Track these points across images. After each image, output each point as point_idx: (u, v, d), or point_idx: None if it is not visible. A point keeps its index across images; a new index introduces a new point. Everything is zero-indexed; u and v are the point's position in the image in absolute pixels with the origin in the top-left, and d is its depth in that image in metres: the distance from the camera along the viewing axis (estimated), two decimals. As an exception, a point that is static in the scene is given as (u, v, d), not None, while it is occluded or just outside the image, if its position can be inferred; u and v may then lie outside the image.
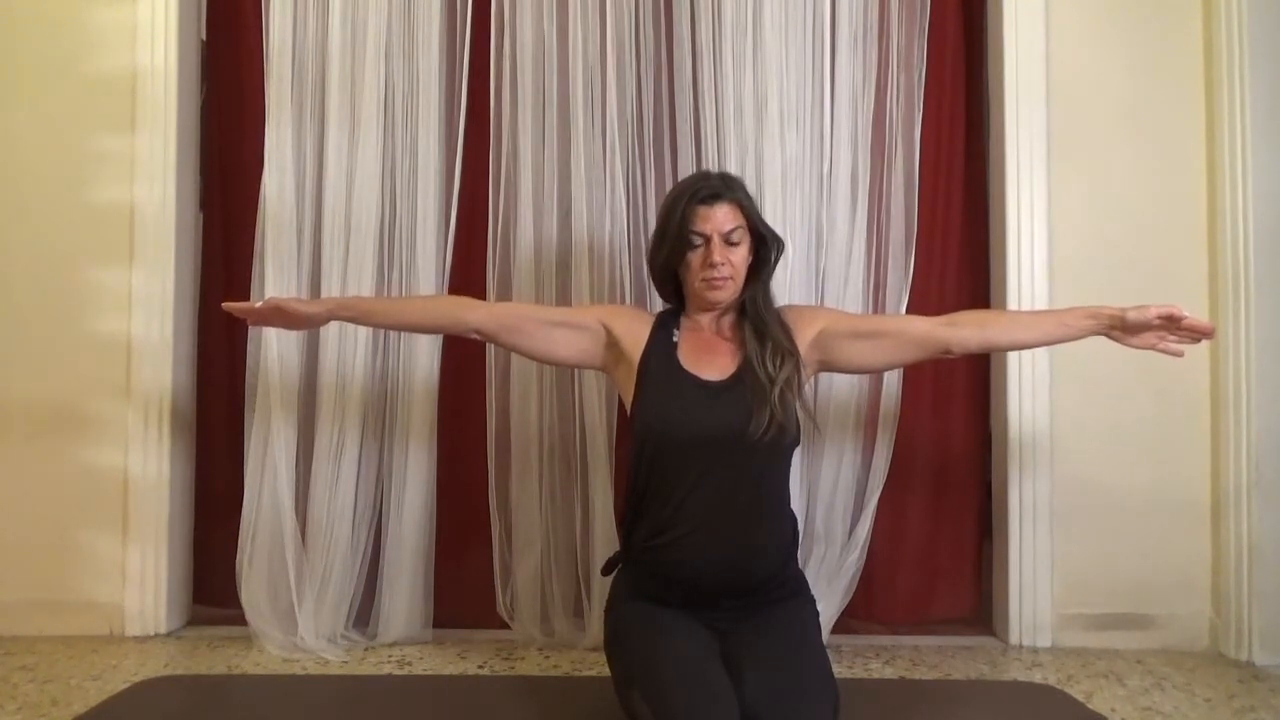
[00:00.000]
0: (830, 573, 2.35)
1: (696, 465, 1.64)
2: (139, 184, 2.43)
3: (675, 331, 1.78)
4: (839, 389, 2.39)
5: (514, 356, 2.33)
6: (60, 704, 1.91)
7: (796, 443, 1.72)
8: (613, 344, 1.81)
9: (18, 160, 2.45)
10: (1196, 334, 1.68)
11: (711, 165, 2.34)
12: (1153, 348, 1.70)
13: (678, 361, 1.73)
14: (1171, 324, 1.67)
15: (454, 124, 2.43)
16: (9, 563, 2.41)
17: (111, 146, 2.44)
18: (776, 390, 1.65)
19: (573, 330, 1.83)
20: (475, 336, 1.89)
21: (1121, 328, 1.70)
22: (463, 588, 2.44)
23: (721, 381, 1.70)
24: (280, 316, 1.85)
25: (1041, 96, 2.42)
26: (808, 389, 2.06)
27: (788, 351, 1.71)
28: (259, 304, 1.85)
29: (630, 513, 1.76)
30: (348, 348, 2.37)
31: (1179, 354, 1.70)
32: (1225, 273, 2.35)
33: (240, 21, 2.51)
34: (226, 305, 1.85)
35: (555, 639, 2.35)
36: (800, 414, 1.73)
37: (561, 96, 2.39)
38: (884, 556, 2.44)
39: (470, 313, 1.87)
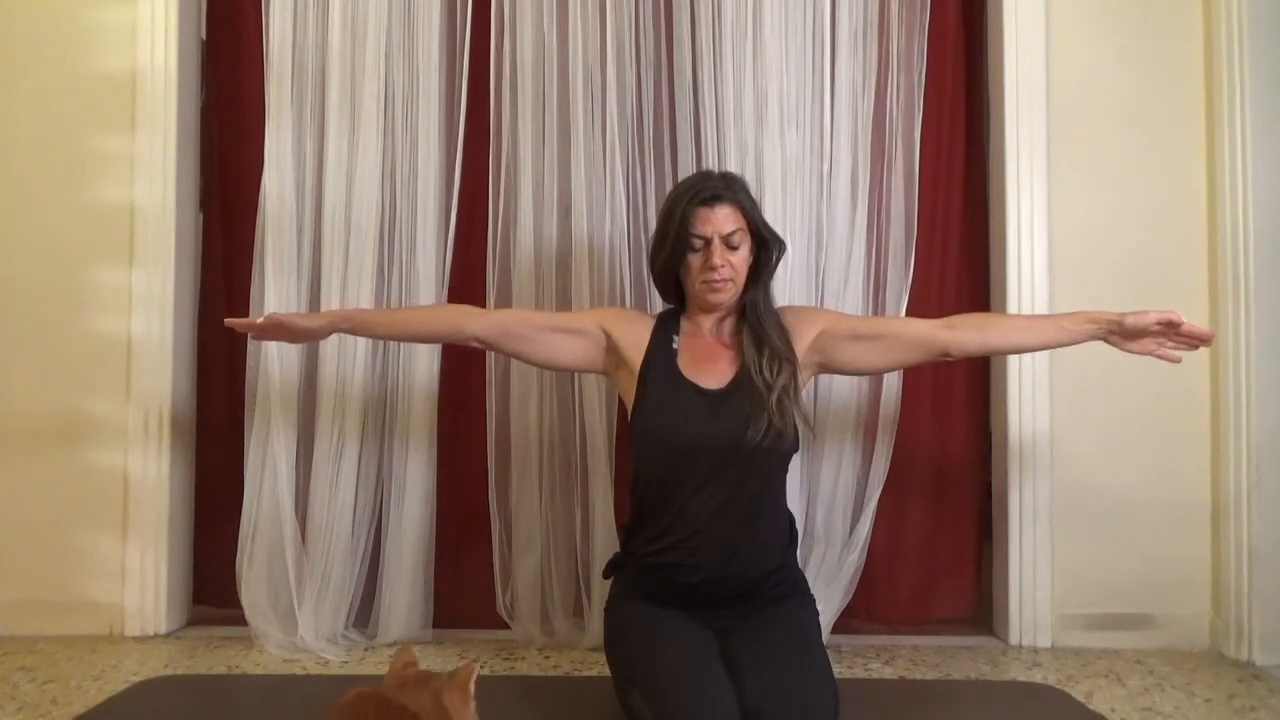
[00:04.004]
0: (830, 573, 2.35)
1: (696, 473, 1.65)
2: (139, 184, 2.43)
3: (675, 337, 1.79)
4: (839, 390, 2.39)
5: (513, 357, 2.33)
6: (60, 704, 1.91)
7: (795, 448, 1.73)
8: (612, 348, 1.81)
9: (18, 160, 2.45)
10: (1195, 340, 1.68)
11: (711, 165, 2.33)
12: (1151, 354, 1.70)
13: (677, 368, 1.74)
14: (1170, 330, 1.67)
15: (454, 124, 2.43)
16: (9, 563, 2.41)
17: (111, 146, 2.44)
18: (774, 398, 1.66)
19: (572, 336, 1.83)
20: (476, 345, 1.89)
21: (1120, 333, 1.70)
22: (463, 588, 2.44)
23: (720, 390, 1.71)
24: (281, 331, 1.86)
25: (1041, 96, 2.42)
26: (806, 393, 2.07)
27: (785, 358, 1.71)
28: (260, 319, 1.86)
29: (631, 517, 1.77)
30: (348, 348, 2.37)
31: (1177, 360, 1.70)
32: (1225, 273, 2.35)
33: (240, 21, 2.51)
34: (229, 321, 1.86)
35: (555, 639, 2.35)
36: (798, 420, 1.73)
37: (561, 96, 2.39)
38: (884, 557, 2.44)
39: (470, 322, 1.87)
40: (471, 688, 1.20)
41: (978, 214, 2.55)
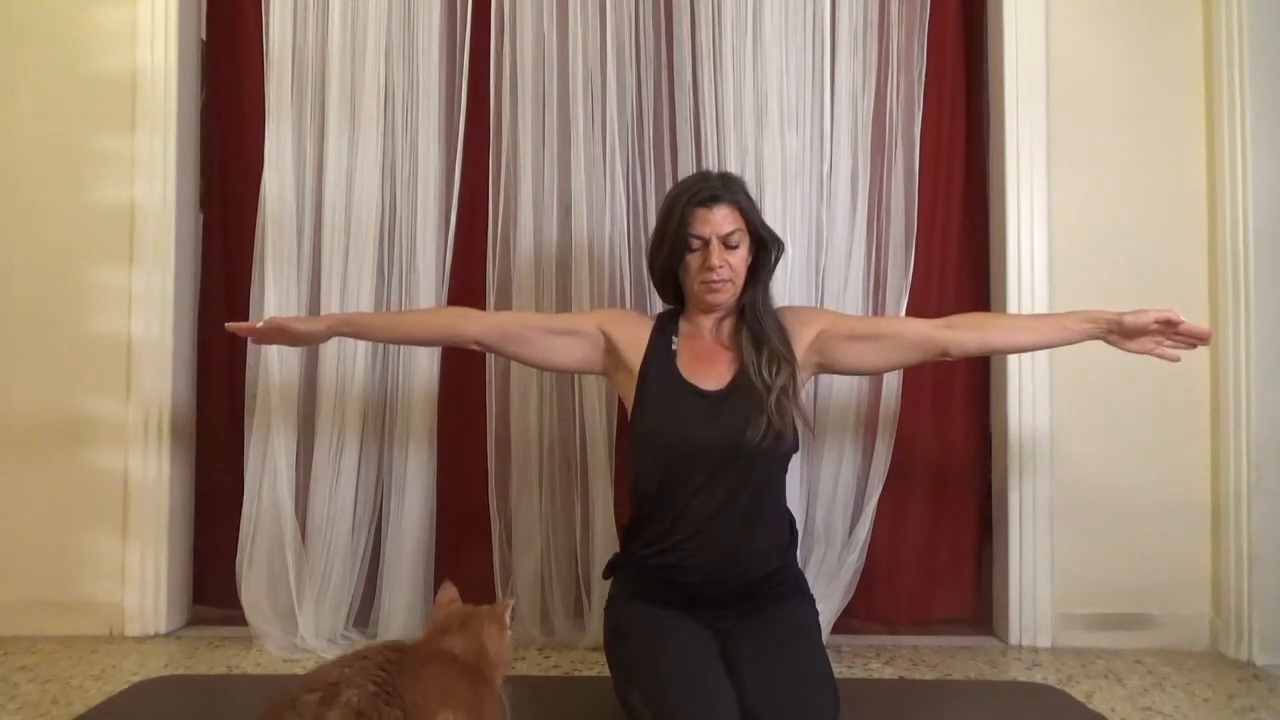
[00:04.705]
0: (830, 573, 2.35)
1: (697, 474, 1.65)
2: (139, 184, 2.43)
3: (675, 338, 1.78)
4: (839, 390, 2.39)
5: (513, 357, 2.33)
6: (60, 704, 1.91)
7: (795, 449, 1.73)
8: (611, 350, 1.81)
9: (18, 160, 2.45)
10: (1193, 339, 1.68)
11: (711, 165, 2.34)
12: (1149, 352, 1.70)
13: (676, 370, 1.74)
14: (1168, 329, 1.67)
15: (454, 124, 2.43)
16: (9, 563, 2.41)
17: (111, 146, 2.44)
18: (773, 398, 1.65)
19: (572, 338, 1.83)
20: (475, 348, 1.89)
21: (1119, 332, 1.70)
22: (463, 588, 2.41)
23: (719, 391, 1.71)
24: (281, 335, 1.86)
25: (1041, 96, 2.42)
26: (806, 393, 2.07)
27: (784, 358, 1.71)
28: (259, 324, 1.86)
29: (630, 518, 1.78)
30: (347, 349, 2.37)
31: (1175, 359, 1.70)
32: (1225, 273, 2.35)
33: (240, 21, 2.51)
34: (230, 326, 1.87)
35: (555, 639, 2.35)
36: (797, 420, 1.73)
37: (561, 96, 2.39)
38: (884, 556, 2.44)
39: (469, 324, 1.87)
40: (507, 618, 1.32)
41: (978, 214, 2.55)
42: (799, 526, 1.98)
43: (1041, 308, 2.37)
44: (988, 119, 2.54)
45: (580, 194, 2.37)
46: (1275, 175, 2.31)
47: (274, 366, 2.36)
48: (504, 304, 2.38)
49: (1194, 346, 1.70)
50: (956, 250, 2.51)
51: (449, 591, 1.42)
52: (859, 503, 2.39)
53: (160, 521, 2.41)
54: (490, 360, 2.37)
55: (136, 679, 2.05)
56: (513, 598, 1.37)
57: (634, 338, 1.79)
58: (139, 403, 2.41)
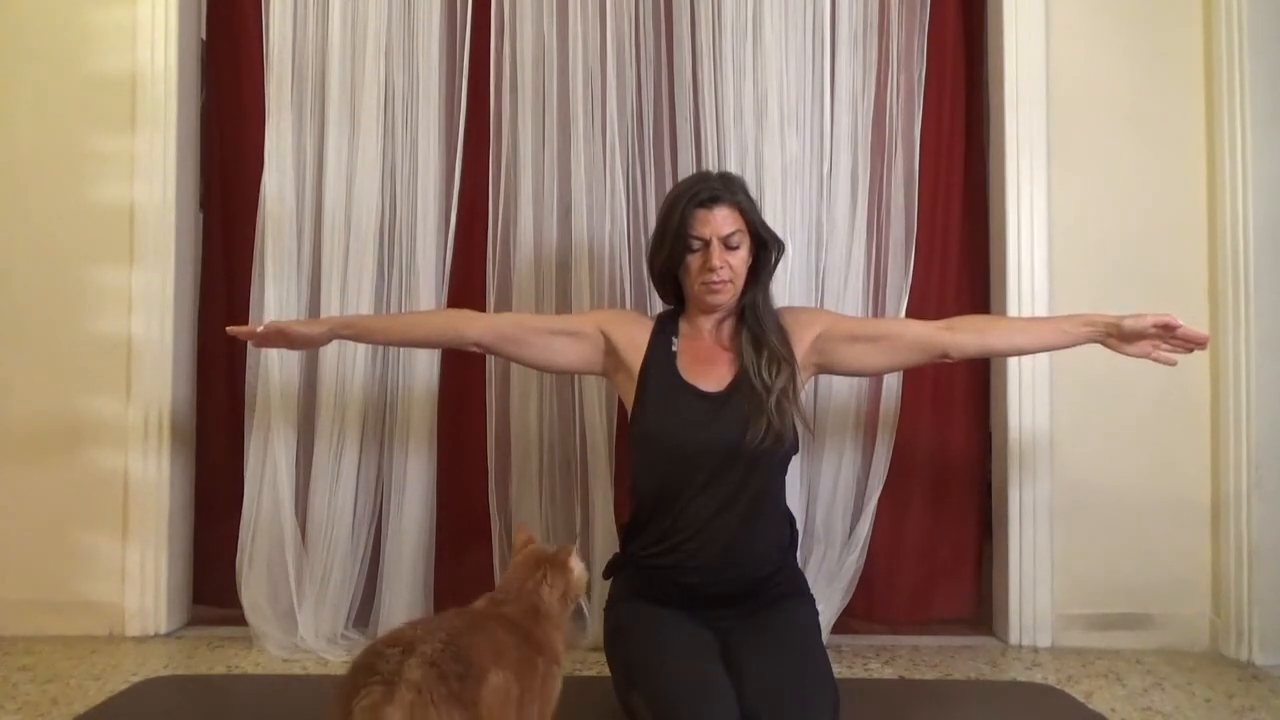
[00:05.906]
0: (830, 573, 2.35)
1: (697, 476, 1.65)
2: (139, 184, 2.42)
3: (674, 339, 1.78)
4: (839, 390, 2.39)
5: (513, 356, 2.33)
6: (60, 704, 1.91)
7: (794, 450, 1.73)
8: (611, 351, 1.81)
9: (18, 160, 2.45)
10: (1191, 343, 1.69)
11: (711, 165, 2.33)
12: (1147, 356, 1.70)
13: (676, 371, 1.74)
14: (1166, 333, 1.67)
15: (454, 124, 2.43)
16: (9, 563, 2.41)
17: (111, 146, 2.43)
18: (773, 400, 1.66)
19: (571, 339, 1.83)
20: (475, 349, 1.90)
21: (1117, 335, 1.71)
22: (463, 588, 2.42)
23: (720, 392, 1.71)
24: (281, 338, 1.86)
25: (1041, 96, 2.42)
26: (806, 393, 2.07)
27: (784, 360, 1.71)
28: (260, 327, 1.86)
29: (631, 518, 1.78)
30: (348, 348, 2.37)
31: (1172, 363, 1.71)
32: (1225, 273, 2.35)
33: (240, 21, 2.51)
34: (230, 330, 1.87)
35: (555, 639, 2.35)
36: (797, 421, 1.73)
37: (561, 96, 2.39)
38: (884, 556, 2.44)
39: (469, 326, 1.87)
40: (571, 561, 1.48)
41: (978, 214, 2.55)
42: (799, 526, 1.99)
43: (1041, 308, 2.37)
44: (988, 119, 2.54)
45: (580, 194, 2.37)
46: (1275, 175, 2.31)
47: (274, 367, 2.36)
48: (504, 304, 2.38)
49: (1191, 351, 1.71)
50: (956, 250, 2.51)
51: (524, 533, 1.57)
52: (859, 503, 2.39)
53: (160, 521, 2.41)
54: (490, 360, 2.37)
55: (136, 679, 2.05)
56: (573, 542, 1.59)
57: (634, 339, 1.79)
58: (139, 403, 2.41)
